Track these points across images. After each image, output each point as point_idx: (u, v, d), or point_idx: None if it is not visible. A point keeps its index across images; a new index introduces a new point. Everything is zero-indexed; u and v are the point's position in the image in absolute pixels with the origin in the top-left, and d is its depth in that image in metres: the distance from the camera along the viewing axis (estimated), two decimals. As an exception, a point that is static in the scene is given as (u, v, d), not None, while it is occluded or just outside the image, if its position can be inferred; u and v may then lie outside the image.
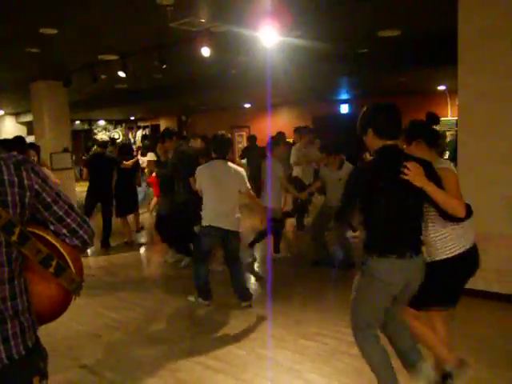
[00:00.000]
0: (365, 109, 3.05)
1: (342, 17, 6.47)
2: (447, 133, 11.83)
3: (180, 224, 6.51)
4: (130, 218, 8.71)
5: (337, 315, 4.66)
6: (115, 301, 5.52)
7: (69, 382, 3.62)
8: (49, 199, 1.60)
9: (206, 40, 7.20)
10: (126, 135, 22.49)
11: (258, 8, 5.86)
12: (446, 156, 9.33)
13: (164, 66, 7.96)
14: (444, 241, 3.09)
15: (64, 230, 1.63)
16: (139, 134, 21.77)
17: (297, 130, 9.46)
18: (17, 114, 19.04)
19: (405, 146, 3.27)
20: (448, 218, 2.89)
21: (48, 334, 4.48)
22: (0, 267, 1.48)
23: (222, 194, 4.92)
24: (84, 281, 1.66)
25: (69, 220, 1.64)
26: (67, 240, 1.63)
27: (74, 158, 13.16)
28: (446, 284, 3.13)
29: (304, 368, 3.70)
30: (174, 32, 6.80)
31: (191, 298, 5.26)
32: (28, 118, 16.94)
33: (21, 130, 19.14)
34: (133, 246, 8.29)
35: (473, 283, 3.34)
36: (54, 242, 1.59)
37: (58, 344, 4.30)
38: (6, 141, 5.79)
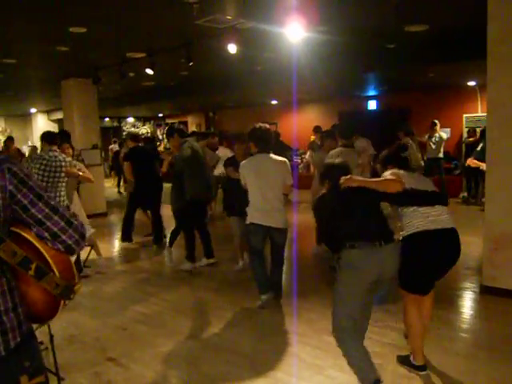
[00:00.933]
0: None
1: (369, 11, 6.40)
2: (477, 129, 11.62)
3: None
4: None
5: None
6: (141, 295, 5.60)
7: (95, 373, 3.70)
8: (25, 201, 1.54)
9: (232, 37, 7.22)
10: (154, 132, 22.72)
11: (284, 4, 5.85)
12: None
13: (191, 63, 8.02)
14: (412, 215, 3.40)
15: (46, 234, 1.57)
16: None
17: (318, 130, 9.42)
18: (48, 112, 19.45)
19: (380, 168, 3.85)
20: (399, 201, 3.40)
21: (76, 325, 4.62)
22: None
23: (265, 191, 4.80)
24: (75, 284, 1.59)
25: (49, 224, 1.57)
26: (49, 244, 1.57)
27: (103, 154, 13.38)
28: (412, 262, 3.34)
29: (326, 364, 3.71)
30: (201, 29, 6.85)
31: (264, 297, 4.96)
32: (59, 115, 17.27)
33: (52, 127, 19.51)
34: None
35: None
36: (36, 244, 1.54)
37: (85, 336, 4.40)
38: (49, 133, 5.90)
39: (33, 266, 1.49)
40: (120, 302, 5.34)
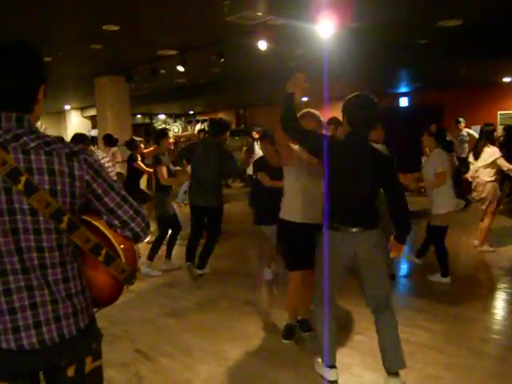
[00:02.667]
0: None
1: (401, 7, 6.32)
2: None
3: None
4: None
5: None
6: (170, 289, 5.67)
7: (124, 364, 3.77)
8: (99, 190, 1.64)
9: (262, 33, 7.23)
10: (185, 129, 22.90)
11: (316, 0, 5.83)
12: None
13: (222, 60, 8.07)
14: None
15: (116, 221, 1.67)
16: (198, 127, 22.12)
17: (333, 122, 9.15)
18: (82, 109, 19.81)
19: None
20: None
21: (106, 318, 4.69)
22: (51, 252, 1.56)
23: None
24: (138, 271, 1.69)
25: (120, 212, 1.67)
26: (118, 231, 1.68)
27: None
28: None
29: (353, 362, 3.68)
30: (231, 26, 6.88)
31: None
32: (92, 112, 17.58)
33: (85, 124, 19.93)
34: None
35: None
36: (105, 231, 1.65)
37: (115, 328, 4.48)
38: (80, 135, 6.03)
39: (103, 252, 1.61)
40: (149, 296, 5.41)
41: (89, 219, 1.64)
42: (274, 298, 5.24)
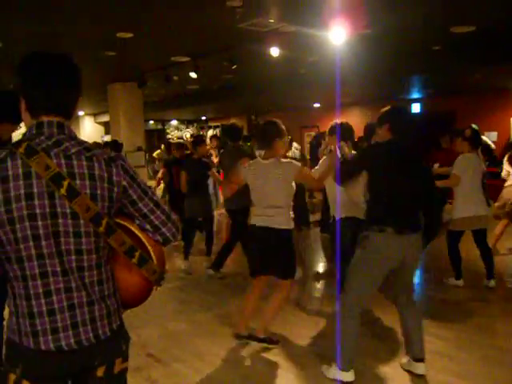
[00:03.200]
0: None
1: (413, 13, 6.32)
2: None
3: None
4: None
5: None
6: (182, 296, 5.70)
7: (136, 368, 3.78)
8: (135, 196, 1.70)
9: (275, 40, 7.27)
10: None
11: (328, 7, 5.85)
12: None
13: (234, 67, 8.11)
14: None
15: (148, 226, 1.73)
16: (210, 133, 22.22)
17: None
18: (95, 115, 19.99)
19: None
20: None
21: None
22: (89, 254, 1.61)
23: None
24: (166, 273, 1.77)
25: (152, 217, 1.73)
26: (150, 235, 1.74)
27: (147, 156, 13.67)
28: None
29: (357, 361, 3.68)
30: (244, 33, 6.92)
31: None
32: (105, 118, 17.74)
33: (98, 130, 20.09)
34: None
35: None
36: (139, 234, 1.71)
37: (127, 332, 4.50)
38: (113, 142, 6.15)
39: (137, 254, 1.67)
40: (161, 301, 5.43)
41: (122, 222, 1.70)
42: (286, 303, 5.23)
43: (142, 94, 11.55)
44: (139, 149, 11.64)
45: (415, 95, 14.32)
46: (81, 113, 19.49)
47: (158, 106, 15.71)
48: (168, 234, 1.76)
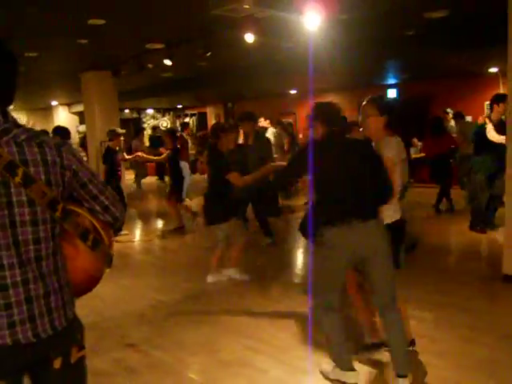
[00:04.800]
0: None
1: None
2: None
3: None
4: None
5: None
6: (159, 283, 5.68)
7: (116, 359, 3.77)
8: (85, 179, 1.71)
9: (250, 26, 7.20)
10: (173, 123, 22.81)
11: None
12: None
13: (208, 54, 8.03)
14: None
15: (97, 207, 1.76)
16: (187, 121, 22.08)
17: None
18: (69, 105, 19.66)
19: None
20: None
21: (97, 313, 4.70)
22: (46, 242, 1.60)
23: None
24: (113, 254, 1.80)
25: (102, 198, 1.76)
26: (100, 216, 1.77)
27: (123, 144, 13.46)
28: None
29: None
30: (218, 19, 6.84)
31: None
32: (79, 107, 17.43)
33: (73, 120, 19.77)
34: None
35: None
36: (89, 217, 1.73)
37: (106, 323, 4.48)
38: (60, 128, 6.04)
39: (90, 237, 1.70)
40: (140, 290, 5.42)
41: (72, 208, 1.70)
42: (267, 291, 5.26)
43: (116, 83, 11.38)
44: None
45: (391, 81, 14.41)
46: (54, 103, 19.15)
47: (133, 94, 15.48)
48: (117, 214, 1.81)
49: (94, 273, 1.77)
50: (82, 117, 17.79)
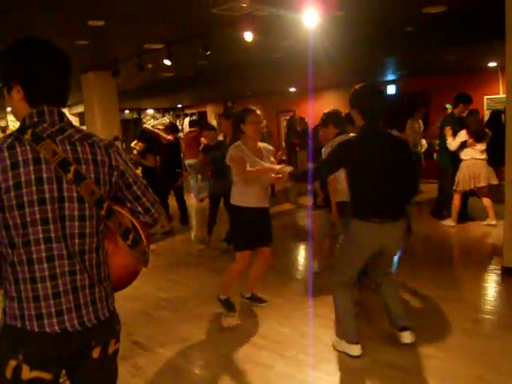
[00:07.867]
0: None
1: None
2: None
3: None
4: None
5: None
6: (163, 281, 5.72)
7: (121, 356, 3.72)
8: (130, 179, 1.80)
9: (248, 24, 7.22)
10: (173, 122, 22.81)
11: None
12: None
13: (208, 53, 8.05)
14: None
15: (139, 208, 1.84)
16: (186, 120, 22.07)
17: None
18: (69, 106, 19.66)
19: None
20: None
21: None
22: (90, 238, 1.68)
23: None
24: (149, 254, 1.85)
25: (144, 199, 1.84)
26: (141, 217, 1.85)
27: (124, 146, 13.51)
28: None
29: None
30: (217, 18, 6.87)
31: None
32: (80, 108, 17.44)
33: (73, 121, 19.43)
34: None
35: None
36: (130, 217, 1.80)
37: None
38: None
39: (131, 236, 1.76)
40: (144, 288, 5.45)
41: (115, 207, 1.76)
42: (269, 287, 5.29)
43: (116, 83, 11.40)
44: (116, 138, 11.50)
45: (390, 77, 14.41)
46: (54, 104, 19.14)
47: (133, 94, 15.52)
48: (157, 215, 1.89)
49: (132, 270, 1.84)
50: (82, 118, 17.80)
